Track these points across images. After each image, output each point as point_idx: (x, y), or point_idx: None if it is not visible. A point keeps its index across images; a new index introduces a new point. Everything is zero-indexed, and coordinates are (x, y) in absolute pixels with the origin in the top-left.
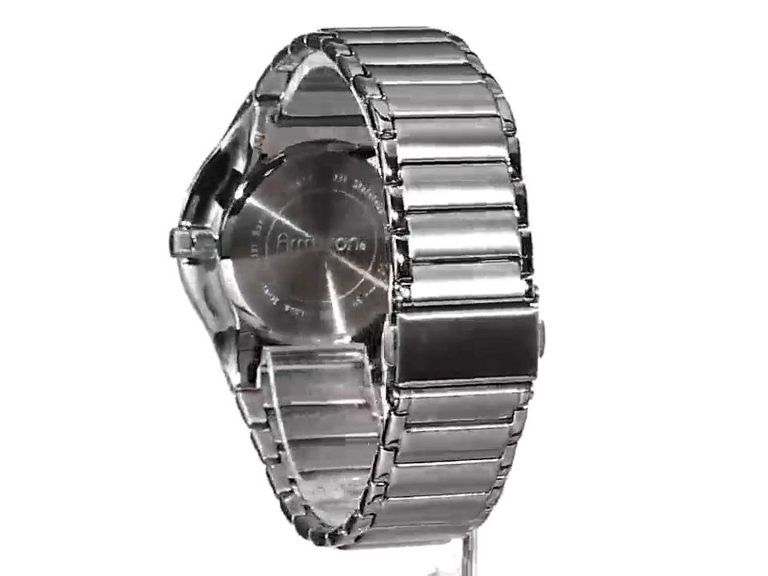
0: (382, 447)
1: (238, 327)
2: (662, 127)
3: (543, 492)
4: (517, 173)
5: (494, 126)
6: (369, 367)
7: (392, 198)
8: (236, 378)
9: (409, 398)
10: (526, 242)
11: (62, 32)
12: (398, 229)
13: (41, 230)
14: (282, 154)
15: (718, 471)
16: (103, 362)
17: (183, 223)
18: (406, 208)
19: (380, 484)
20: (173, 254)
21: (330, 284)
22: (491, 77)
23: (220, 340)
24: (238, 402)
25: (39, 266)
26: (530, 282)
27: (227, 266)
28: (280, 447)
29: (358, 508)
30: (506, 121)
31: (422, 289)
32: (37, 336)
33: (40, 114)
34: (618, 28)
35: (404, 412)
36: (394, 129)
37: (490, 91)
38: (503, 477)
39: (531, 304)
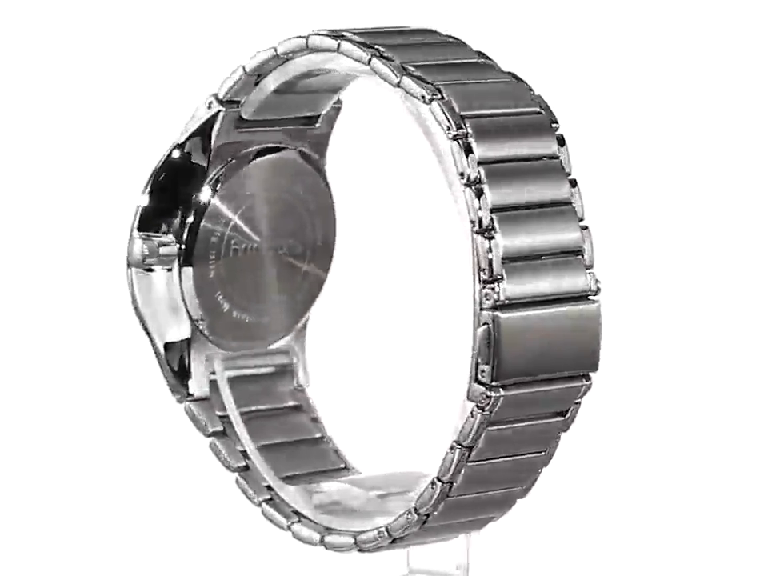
0: (457, 445)
1: (188, 335)
2: (661, 117)
3: (541, 493)
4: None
5: (544, 121)
6: (300, 368)
7: (475, 196)
8: (191, 387)
9: (498, 395)
10: (587, 236)
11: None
12: (484, 228)
13: None
14: (234, 160)
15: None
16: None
17: (140, 233)
18: (489, 207)
19: (448, 483)
20: (138, 263)
21: (271, 287)
22: (515, 75)
23: (169, 349)
24: (191, 411)
25: None
26: (592, 275)
27: (187, 274)
28: (245, 455)
29: (413, 508)
30: (550, 116)
31: (512, 287)
32: None
33: None
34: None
35: (491, 410)
36: (466, 128)
37: (525, 88)
38: (544, 467)
39: (591, 297)
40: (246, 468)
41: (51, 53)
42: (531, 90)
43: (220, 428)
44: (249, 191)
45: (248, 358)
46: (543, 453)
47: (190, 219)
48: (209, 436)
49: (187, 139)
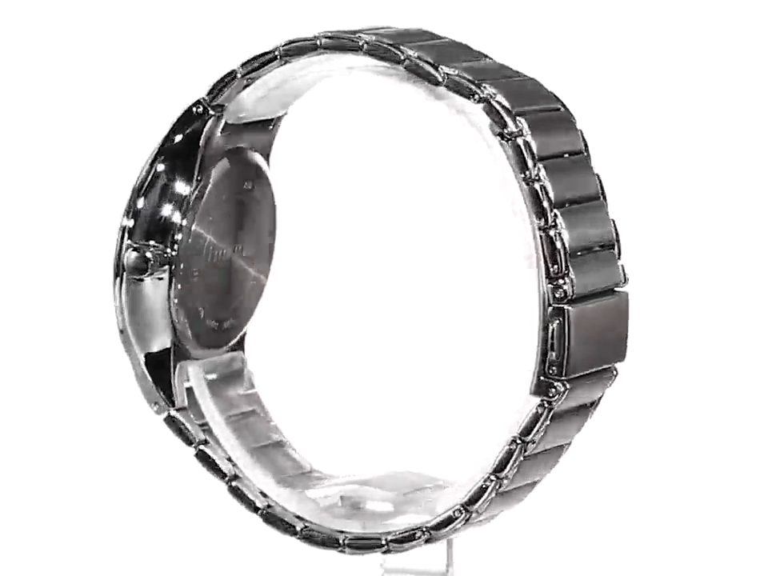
0: (519, 440)
1: (169, 345)
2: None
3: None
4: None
5: (569, 117)
6: (249, 370)
7: (539, 193)
8: (177, 399)
9: (566, 389)
10: (616, 229)
11: None
12: (550, 224)
13: None
14: (209, 168)
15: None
16: None
17: (135, 241)
18: (554, 202)
19: (504, 479)
20: (134, 272)
21: (232, 292)
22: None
23: (151, 360)
24: (177, 422)
25: None
26: (622, 266)
27: (177, 282)
28: (230, 461)
29: (462, 506)
30: (569, 113)
31: (578, 281)
32: None
33: None
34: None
35: (557, 404)
36: (522, 126)
37: (542, 85)
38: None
39: (623, 288)
40: (236, 476)
41: (36, 54)
42: (550, 89)
43: (203, 436)
44: (218, 199)
45: (211, 364)
46: (569, 443)
47: (179, 236)
48: (197, 445)
49: (175, 147)
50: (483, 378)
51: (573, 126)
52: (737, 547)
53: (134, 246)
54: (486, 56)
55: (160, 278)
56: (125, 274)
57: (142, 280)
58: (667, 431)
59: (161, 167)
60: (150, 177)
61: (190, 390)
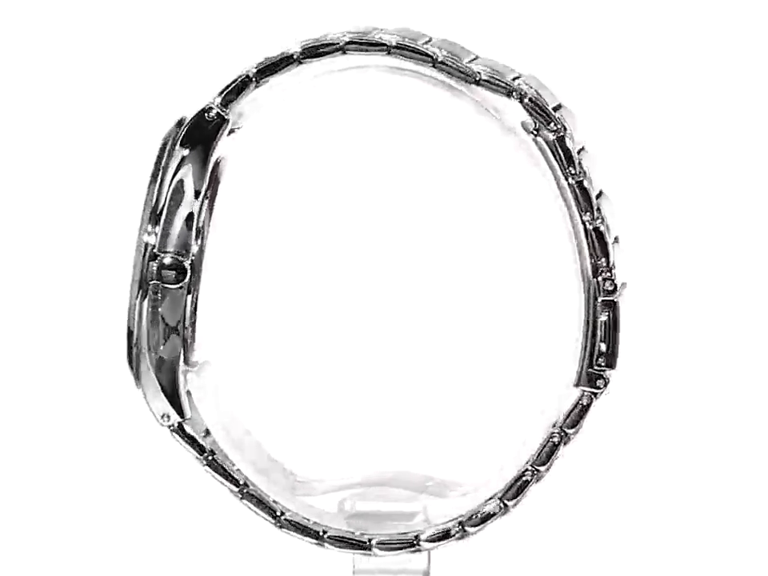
0: (561, 432)
1: (175, 355)
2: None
3: None
4: None
5: (571, 111)
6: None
7: (586, 187)
8: (185, 407)
9: (611, 379)
10: None
11: None
12: (596, 216)
13: None
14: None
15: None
16: None
17: (160, 251)
18: (596, 194)
19: (545, 471)
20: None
21: None
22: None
23: (165, 370)
24: (187, 433)
25: None
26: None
27: (197, 289)
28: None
29: (499, 499)
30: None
31: (621, 273)
32: None
33: None
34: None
35: (602, 394)
36: (560, 122)
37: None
38: None
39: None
40: (246, 484)
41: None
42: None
43: (209, 445)
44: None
45: (203, 370)
46: None
47: (195, 246)
48: (208, 455)
49: (190, 154)
50: (513, 374)
51: (576, 121)
52: (737, 547)
53: (161, 255)
54: (477, 55)
55: (179, 287)
56: (151, 283)
57: (167, 290)
58: (660, 429)
59: (178, 175)
60: (168, 187)
61: (190, 398)
